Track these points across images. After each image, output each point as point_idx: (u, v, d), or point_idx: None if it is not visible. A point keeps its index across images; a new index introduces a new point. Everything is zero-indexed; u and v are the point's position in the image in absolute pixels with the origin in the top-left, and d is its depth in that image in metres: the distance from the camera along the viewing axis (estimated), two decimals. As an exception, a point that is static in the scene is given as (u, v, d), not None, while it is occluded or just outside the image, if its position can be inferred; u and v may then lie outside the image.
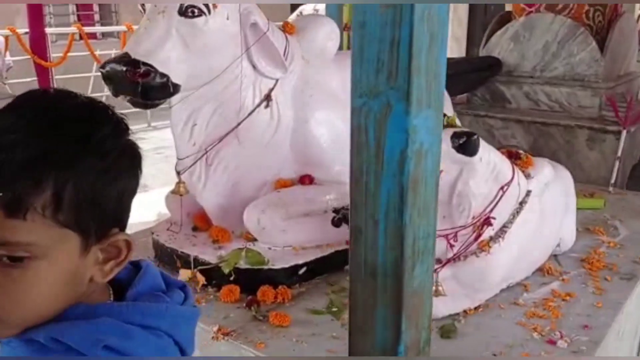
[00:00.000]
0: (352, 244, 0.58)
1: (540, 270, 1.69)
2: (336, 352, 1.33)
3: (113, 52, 7.86)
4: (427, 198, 0.55)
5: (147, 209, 5.18)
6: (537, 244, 1.59)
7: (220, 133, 1.68)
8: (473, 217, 1.37)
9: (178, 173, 1.70)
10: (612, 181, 2.34)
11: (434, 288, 1.40)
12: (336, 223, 1.75)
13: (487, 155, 1.38)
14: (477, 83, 2.95)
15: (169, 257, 1.73)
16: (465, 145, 1.29)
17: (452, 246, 1.41)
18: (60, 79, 7.48)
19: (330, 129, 1.81)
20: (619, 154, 2.33)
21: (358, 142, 0.52)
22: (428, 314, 0.58)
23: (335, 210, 1.77)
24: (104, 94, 8.49)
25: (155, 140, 8.22)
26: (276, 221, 1.66)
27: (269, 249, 1.67)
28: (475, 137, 1.32)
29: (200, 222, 1.81)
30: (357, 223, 0.57)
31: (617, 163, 2.34)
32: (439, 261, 1.43)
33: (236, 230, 1.76)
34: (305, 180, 1.79)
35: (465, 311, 1.46)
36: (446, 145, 1.31)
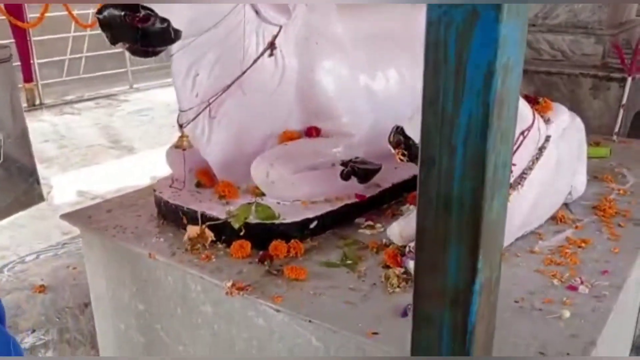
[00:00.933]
0: (423, 176, 0.53)
1: (553, 218, 1.66)
2: (354, 303, 1.30)
3: (90, 12, 7.62)
4: (508, 121, 0.50)
5: (136, 171, 5.12)
6: (552, 191, 1.56)
7: (223, 83, 1.60)
8: (493, 164, 1.32)
9: (180, 126, 1.63)
10: (616, 129, 2.32)
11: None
12: (345, 176, 1.70)
13: (508, 99, 1.33)
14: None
15: (173, 215, 1.67)
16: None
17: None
18: (37, 40, 7.24)
19: (337, 78, 1.75)
20: (624, 101, 2.30)
21: (434, 60, 0.46)
22: (500, 250, 0.55)
23: (344, 163, 1.72)
24: (83, 54, 8.27)
25: (138, 102, 8.06)
26: (285, 175, 1.61)
27: (278, 203, 1.62)
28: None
29: (204, 177, 1.75)
30: (429, 152, 0.52)
31: (621, 111, 2.32)
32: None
33: (242, 185, 1.70)
34: (312, 132, 1.74)
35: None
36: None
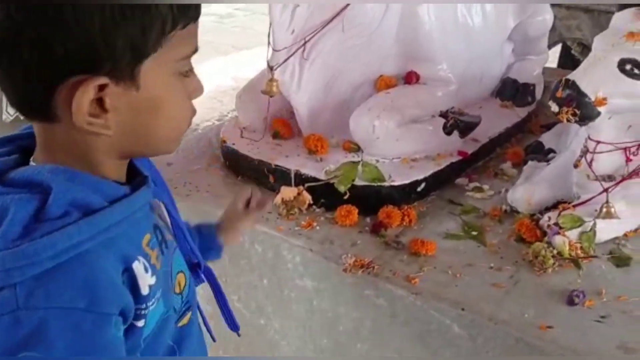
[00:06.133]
0: None
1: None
2: (504, 286, 1.13)
3: None
4: None
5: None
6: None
7: (324, 17, 1.34)
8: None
9: (271, 69, 1.37)
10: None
11: (604, 210, 1.20)
12: (449, 130, 1.49)
13: None
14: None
15: (255, 172, 1.44)
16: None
17: (630, 161, 1.19)
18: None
19: (442, 17, 1.51)
20: None
21: None
22: None
23: (442, 115, 1.51)
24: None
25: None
26: (391, 128, 1.39)
27: (377, 161, 1.41)
28: None
29: (284, 127, 1.51)
30: None
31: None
32: (612, 179, 1.21)
33: (329, 137, 1.48)
34: (412, 78, 1.51)
35: (625, 233, 1.27)
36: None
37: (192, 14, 0.60)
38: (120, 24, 0.54)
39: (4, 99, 0.58)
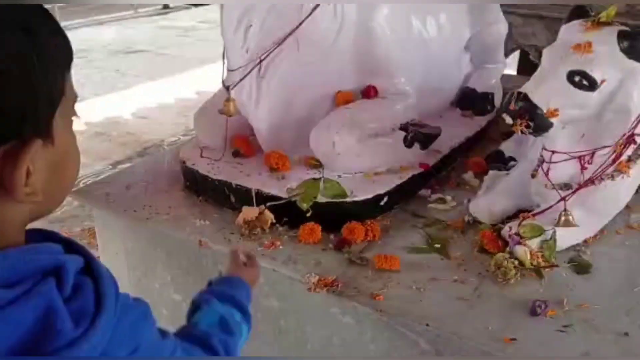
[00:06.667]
0: None
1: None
2: (468, 299, 1.13)
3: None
4: None
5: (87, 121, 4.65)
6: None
7: (277, 36, 1.33)
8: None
9: (227, 88, 1.35)
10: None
11: (562, 218, 1.21)
12: (409, 143, 1.50)
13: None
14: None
15: (216, 192, 1.42)
16: (636, 48, 1.06)
17: (585, 169, 1.20)
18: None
19: (397, 30, 1.52)
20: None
21: None
22: None
23: (402, 128, 1.52)
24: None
25: (72, 42, 7.36)
26: (351, 144, 1.39)
27: (339, 176, 1.40)
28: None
29: (244, 145, 1.50)
30: None
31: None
32: (568, 187, 1.23)
33: (291, 154, 1.47)
34: (370, 92, 1.51)
35: (585, 240, 1.29)
36: (610, 48, 1.07)
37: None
38: (40, 70, 0.47)
39: None
